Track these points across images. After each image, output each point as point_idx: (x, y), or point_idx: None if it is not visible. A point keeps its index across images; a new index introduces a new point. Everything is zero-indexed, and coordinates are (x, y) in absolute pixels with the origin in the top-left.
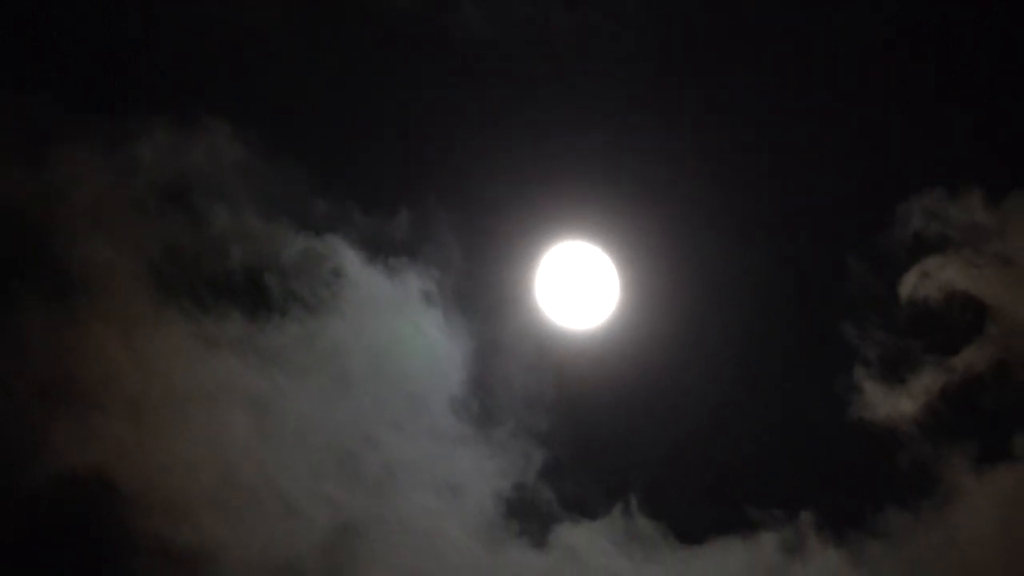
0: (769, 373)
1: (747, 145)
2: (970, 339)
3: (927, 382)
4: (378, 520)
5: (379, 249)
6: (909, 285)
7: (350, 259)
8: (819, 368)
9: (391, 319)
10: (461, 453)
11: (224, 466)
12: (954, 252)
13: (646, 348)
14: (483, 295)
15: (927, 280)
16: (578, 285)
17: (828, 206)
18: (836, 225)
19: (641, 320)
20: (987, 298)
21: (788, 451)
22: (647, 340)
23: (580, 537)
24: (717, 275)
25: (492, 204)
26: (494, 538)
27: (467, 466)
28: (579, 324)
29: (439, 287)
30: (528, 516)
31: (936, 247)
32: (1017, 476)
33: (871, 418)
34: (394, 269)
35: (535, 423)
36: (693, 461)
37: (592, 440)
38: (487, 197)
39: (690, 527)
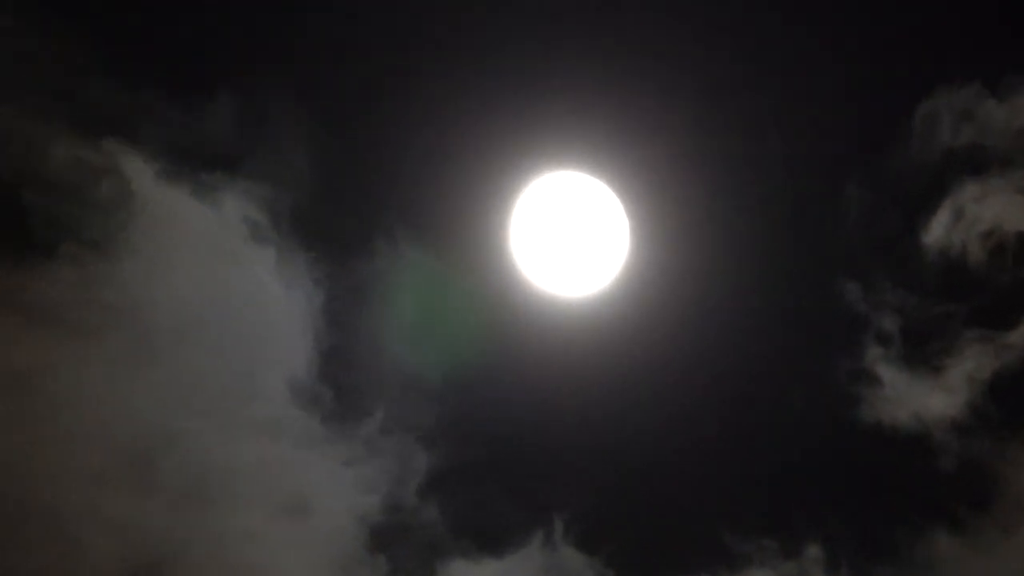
0: (753, 356)
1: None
2: None
3: (971, 368)
4: (185, 550)
5: (186, 158)
6: (938, 227)
7: (143, 173)
8: (817, 349)
9: (203, 262)
10: (307, 458)
11: None
12: (1001, 175)
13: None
14: (347, 227)
15: (963, 219)
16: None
17: (819, 109)
18: (831, 139)
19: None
20: None
21: (784, 463)
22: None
23: None
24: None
25: (373, 88)
26: None
27: (316, 476)
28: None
29: (272, 215)
30: (403, 548)
31: (974, 168)
32: None
33: (891, 420)
34: (208, 188)
35: (417, 416)
36: (650, 473)
37: (501, 441)
38: (369, 79)
39: (642, 564)
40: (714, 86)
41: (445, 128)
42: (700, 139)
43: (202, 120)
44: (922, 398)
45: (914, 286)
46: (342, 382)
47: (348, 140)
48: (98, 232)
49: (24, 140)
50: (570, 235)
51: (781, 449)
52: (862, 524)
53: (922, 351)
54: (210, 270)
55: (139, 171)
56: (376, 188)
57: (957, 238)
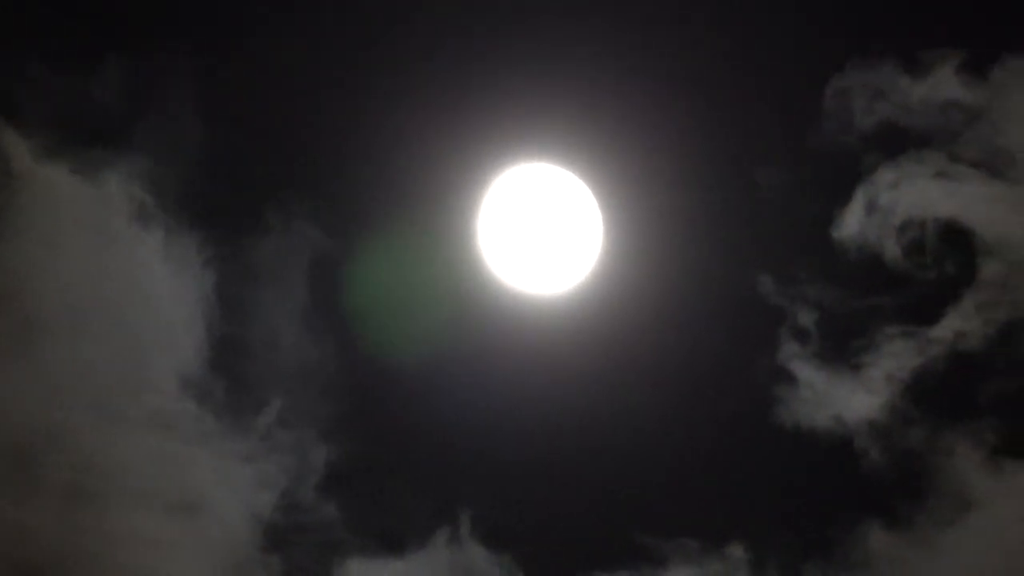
0: (672, 352)
1: None
2: (957, 293)
3: (892, 366)
4: (70, 551)
5: (67, 133)
6: (853, 215)
7: (19, 149)
8: (732, 346)
9: (86, 245)
10: (199, 453)
11: None
12: (920, 155)
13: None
14: (242, 206)
15: (880, 207)
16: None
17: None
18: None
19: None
20: (978, 225)
21: (702, 463)
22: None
23: None
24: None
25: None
26: None
27: (208, 473)
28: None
29: (161, 193)
30: (300, 548)
31: (890, 152)
32: None
33: (813, 417)
34: (91, 165)
35: (317, 408)
36: (563, 472)
37: (405, 433)
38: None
39: (554, 562)
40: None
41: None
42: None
43: (86, 91)
44: (843, 395)
45: (831, 278)
46: (237, 372)
47: (247, 113)
48: None
49: None
50: (541, 229)
51: (698, 449)
52: (789, 522)
53: (841, 349)
54: (94, 253)
55: (15, 147)
56: (273, 164)
57: (874, 228)
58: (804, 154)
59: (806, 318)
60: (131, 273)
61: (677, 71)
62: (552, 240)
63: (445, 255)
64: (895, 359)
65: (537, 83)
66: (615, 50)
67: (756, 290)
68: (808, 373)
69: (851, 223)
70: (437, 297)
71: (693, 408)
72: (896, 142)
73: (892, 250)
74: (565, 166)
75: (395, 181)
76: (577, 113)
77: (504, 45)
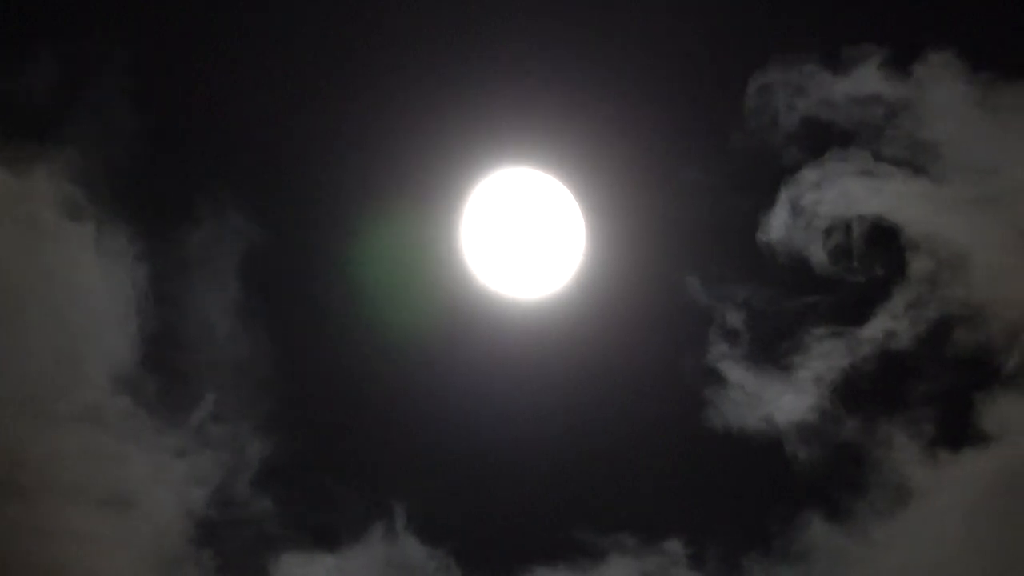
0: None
1: None
2: (887, 291)
3: (821, 368)
4: None
5: None
6: (780, 214)
7: None
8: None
9: (14, 240)
10: (131, 448)
11: None
12: (844, 153)
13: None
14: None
15: (806, 203)
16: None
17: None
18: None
19: None
20: (905, 222)
21: (639, 461)
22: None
23: (316, 573)
24: None
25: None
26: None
27: (140, 468)
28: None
29: (91, 186)
30: (233, 543)
31: (814, 150)
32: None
33: (741, 425)
34: (19, 158)
35: (253, 403)
36: (499, 468)
37: (340, 427)
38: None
39: (487, 555)
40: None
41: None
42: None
43: (13, 84)
44: (771, 401)
45: (758, 279)
46: (170, 366)
47: (178, 105)
48: None
49: None
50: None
51: (634, 447)
52: (727, 517)
53: (770, 351)
54: (23, 248)
55: None
56: (206, 157)
57: (800, 228)
58: (728, 153)
59: (735, 319)
60: (62, 268)
61: (607, 72)
62: (534, 244)
63: (427, 258)
64: (826, 359)
65: (518, 87)
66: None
67: (686, 291)
68: (738, 374)
69: (777, 224)
70: (416, 298)
71: (629, 408)
72: (820, 140)
73: (819, 251)
74: (547, 170)
75: (377, 183)
76: (559, 117)
77: (486, 48)
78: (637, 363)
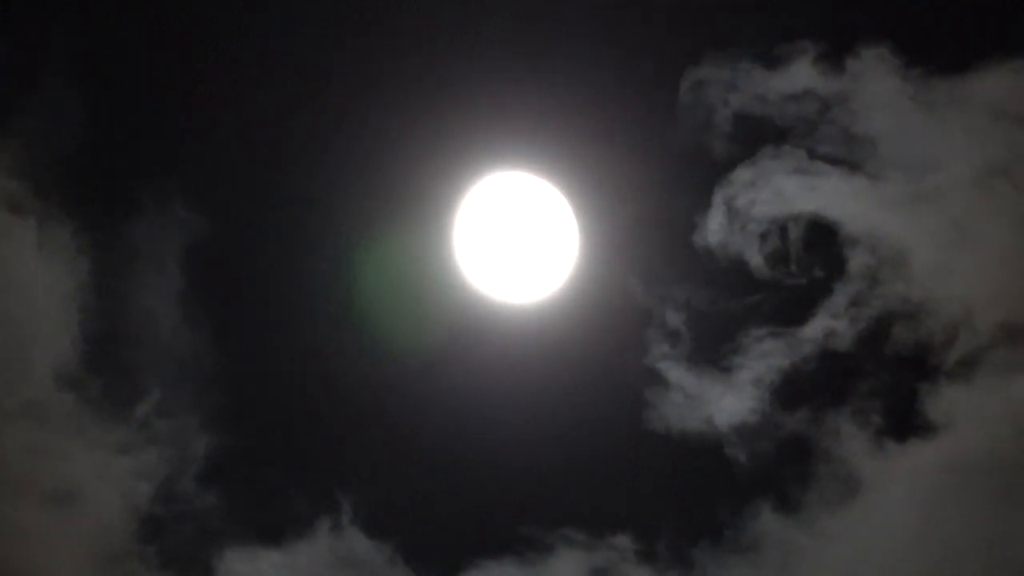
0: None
1: None
2: (828, 288)
3: (761, 370)
4: None
5: None
6: (716, 213)
7: None
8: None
9: None
10: (74, 445)
11: None
12: (779, 150)
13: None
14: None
15: (742, 203)
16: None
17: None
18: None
19: None
20: (844, 221)
21: (585, 458)
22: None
23: (262, 568)
24: None
25: None
26: (124, 573)
27: (84, 464)
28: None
29: (34, 180)
30: (178, 539)
31: (748, 148)
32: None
33: (681, 426)
34: None
35: (199, 397)
36: (443, 458)
37: (287, 422)
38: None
39: (435, 549)
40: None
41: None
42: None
43: None
44: (712, 401)
45: (694, 281)
46: (114, 361)
47: (122, 99)
48: None
49: None
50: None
51: (581, 446)
52: (676, 511)
53: (710, 353)
54: None
55: None
56: (150, 151)
57: (737, 227)
58: (663, 152)
59: (675, 320)
60: (3, 263)
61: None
62: (527, 248)
63: (419, 260)
64: (768, 359)
65: (511, 91)
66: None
67: (626, 291)
68: (679, 374)
69: (714, 222)
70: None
71: (576, 407)
72: (754, 137)
73: (757, 250)
74: (540, 174)
75: (370, 188)
76: (552, 122)
77: (479, 53)
78: (588, 364)
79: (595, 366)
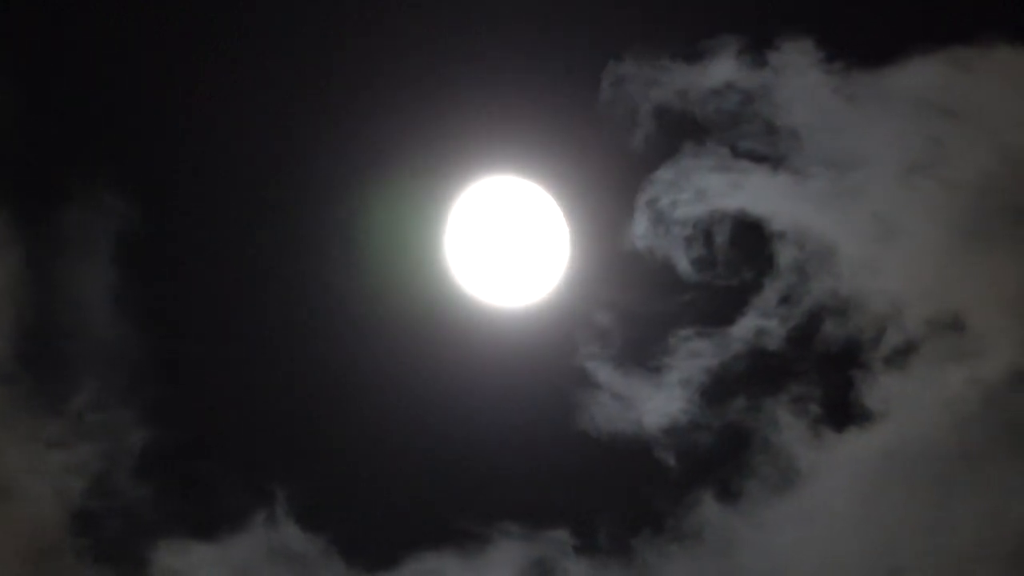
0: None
1: None
2: (758, 286)
3: (690, 370)
4: None
5: None
6: (641, 220)
7: None
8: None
9: None
10: (5, 438)
11: None
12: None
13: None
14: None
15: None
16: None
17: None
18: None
19: None
20: (771, 217)
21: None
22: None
23: (196, 561)
24: None
25: None
26: (57, 567)
27: (16, 460)
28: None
29: None
30: (111, 533)
31: (671, 146)
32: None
33: (611, 428)
34: None
35: (134, 390)
36: (380, 451)
37: (221, 415)
38: None
39: (371, 542)
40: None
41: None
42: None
43: None
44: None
45: (619, 284)
46: (47, 354)
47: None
48: None
49: None
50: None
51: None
52: (615, 503)
53: (639, 355)
54: None
55: None
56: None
57: (661, 229)
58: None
59: (605, 321)
60: None
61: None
62: (518, 253)
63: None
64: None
65: (502, 95)
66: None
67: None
68: (607, 374)
69: (640, 222)
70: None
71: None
72: (678, 135)
73: (683, 252)
74: (531, 178)
75: (358, 190)
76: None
77: (469, 55)
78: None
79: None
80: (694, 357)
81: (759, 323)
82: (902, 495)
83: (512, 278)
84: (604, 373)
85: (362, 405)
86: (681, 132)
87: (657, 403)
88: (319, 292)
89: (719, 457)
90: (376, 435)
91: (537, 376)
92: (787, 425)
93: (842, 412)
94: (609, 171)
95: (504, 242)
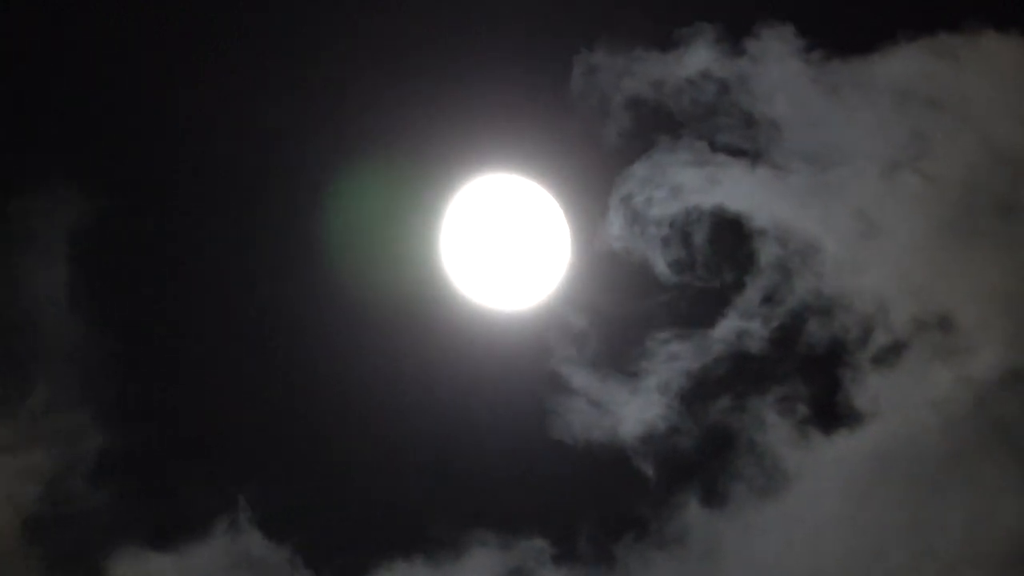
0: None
1: None
2: (739, 285)
3: (668, 374)
4: None
5: None
6: (615, 219)
7: None
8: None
9: None
10: None
11: None
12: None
13: None
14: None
15: (639, 200)
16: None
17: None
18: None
19: None
20: (752, 213)
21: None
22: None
23: (154, 571)
24: None
25: None
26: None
27: None
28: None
29: None
30: (66, 540)
31: (645, 138)
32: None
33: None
34: None
35: (91, 392)
36: (351, 458)
37: (183, 418)
38: None
39: (338, 550)
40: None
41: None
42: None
43: None
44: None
45: (601, 285)
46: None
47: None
48: None
49: None
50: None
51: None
52: (595, 508)
53: (617, 360)
54: None
55: None
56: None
57: (636, 229)
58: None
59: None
60: None
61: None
62: (516, 254)
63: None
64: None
65: (501, 91)
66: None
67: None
68: (582, 379)
69: (615, 221)
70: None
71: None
72: (652, 128)
73: (661, 249)
74: (531, 177)
75: (353, 187)
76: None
77: (467, 50)
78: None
79: (504, 370)
80: (673, 361)
81: (741, 324)
82: (892, 497)
83: (494, 279)
84: (580, 378)
85: (329, 407)
86: (655, 125)
87: (635, 409)
88: (284, 290)
89: (701, 461)
90: (345, 439)
91: (511, 381)
92: (773, 427)
93: (829, 413)
94: (580, 168)
95: (501, 242)
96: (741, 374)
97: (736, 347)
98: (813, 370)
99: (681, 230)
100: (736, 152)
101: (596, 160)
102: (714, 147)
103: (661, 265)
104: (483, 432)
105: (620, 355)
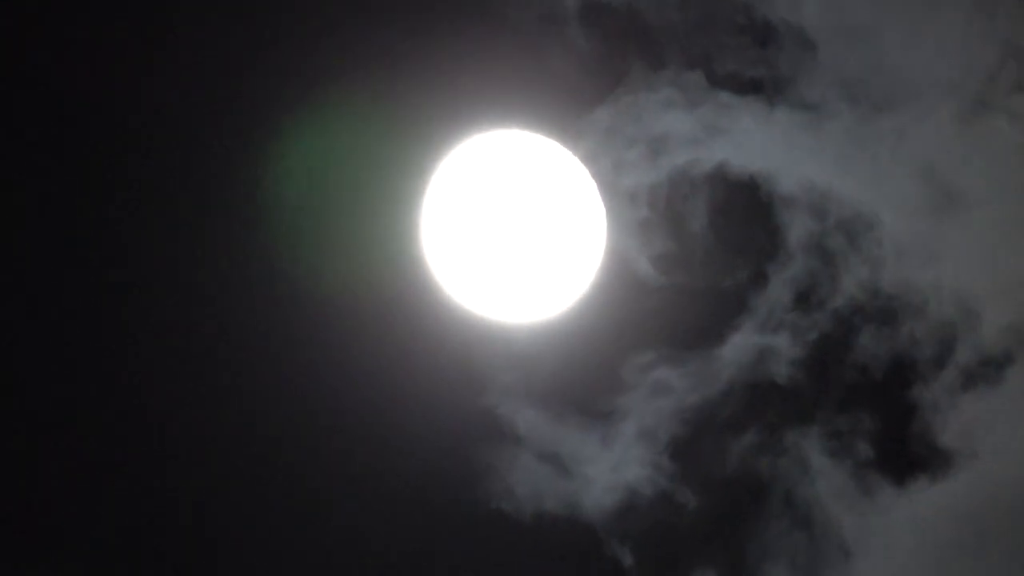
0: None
1: None
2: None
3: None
4: None
5: None
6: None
7: None
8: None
9: None
10: None
11: None
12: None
13: None
14: None
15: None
16: None
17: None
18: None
19: None
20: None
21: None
22: None
23: None
24: None
25: None
26: None
27: None
28: None
29: None
30: None
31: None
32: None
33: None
34: None
35: None
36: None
37: None
38: None
39: None
40: None
41: None
42: None
43: None
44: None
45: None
46: None
47: None
48: None
49: None
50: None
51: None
52: None
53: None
54: None
55: None
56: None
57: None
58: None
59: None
60: None
61: None
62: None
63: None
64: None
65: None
66: None
67: None
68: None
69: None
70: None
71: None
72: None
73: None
74: (548, 134)
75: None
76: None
77: None
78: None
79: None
80: (661, 395)
81: (761, 339)
82: (994, 566)
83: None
84: (527, 421)
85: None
86: (626, 48)
87: (606, 466)
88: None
89: (707, 542)
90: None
91: (433, 421)
92: (819, 478)
93: (901, 458)
94: (520, 114)
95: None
96: (762, 411)
97: (755, 373)
98: (871, 401)
99: (667, 206)
100: (746, 86)
101: (541, 103)
102: (713, 80)
103: (641, 260)
104: (392, 500)
105: (585, 388)
